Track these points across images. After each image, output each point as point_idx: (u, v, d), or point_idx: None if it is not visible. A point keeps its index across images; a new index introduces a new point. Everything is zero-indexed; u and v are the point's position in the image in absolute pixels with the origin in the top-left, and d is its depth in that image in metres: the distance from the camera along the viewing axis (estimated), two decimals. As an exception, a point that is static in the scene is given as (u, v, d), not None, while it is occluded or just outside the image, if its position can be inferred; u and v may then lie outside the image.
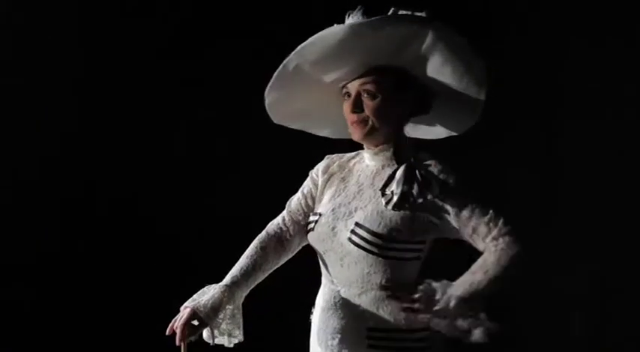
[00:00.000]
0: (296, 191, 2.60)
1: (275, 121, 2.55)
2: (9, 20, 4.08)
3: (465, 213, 2.33)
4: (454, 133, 2.57)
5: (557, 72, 4.17)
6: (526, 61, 4.14)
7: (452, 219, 2.35)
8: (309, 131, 2.62)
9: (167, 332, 2.42)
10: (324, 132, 2.63)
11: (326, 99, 2.49)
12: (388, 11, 2.36)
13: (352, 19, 2.36)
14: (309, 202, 2.55)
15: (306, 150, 2.64)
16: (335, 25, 2.36)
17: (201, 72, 4.19)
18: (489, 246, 2.32)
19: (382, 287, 2.35)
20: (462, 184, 2.37)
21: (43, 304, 4.11)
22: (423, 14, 2.35)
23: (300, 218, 2.55)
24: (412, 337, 2.36)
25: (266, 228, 2.58)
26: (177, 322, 2.40)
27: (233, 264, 2.51)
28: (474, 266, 2.32)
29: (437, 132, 2.58)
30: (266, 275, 2.53)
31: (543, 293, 4.07)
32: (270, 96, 2.48)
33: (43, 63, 4.12)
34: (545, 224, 4.16)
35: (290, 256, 2.56)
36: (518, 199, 4.13)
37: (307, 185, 2.58)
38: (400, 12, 2.36)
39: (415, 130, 2.54)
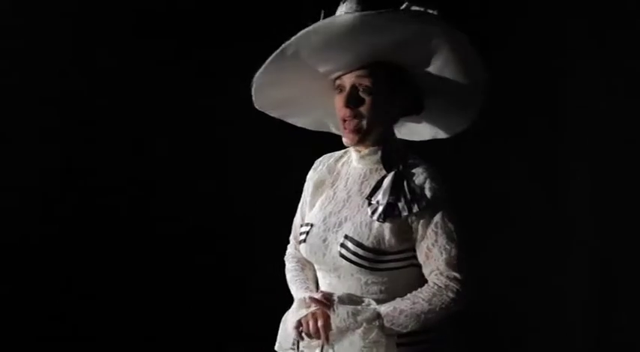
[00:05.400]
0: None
1: (256, 106, 2.44)
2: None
3: (431, 235, 2.25)
4: (440, 136, 2.49)
5: (559, 68, 4.13)
6: (527, 56, 4.11)
7: (418, 234, 2.27)
8: (288, 120, 2.53)
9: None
10: (302, 123, 2.54)
11: (314, 89, 2.40)
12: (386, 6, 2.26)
13: (345, 7, 2.26)
14: None
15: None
16: (343, 13, 2.25)
17: (213, 69, 4.09)
18: (432, 278, 2.26)
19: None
20: (445, 200, 2.28)
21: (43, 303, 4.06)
22: (435, 12, 2.27)
23: None
24: (424, 338, 2.29)
25: (287, 263, 2.53)
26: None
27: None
28: (409, 295, 2.26)
29: (422, 133, 2.50)
30: None
31: (544, 292, 4.07)
32: (259, 80, 2.38)
33: (40, 56, 4.02)
34: (547, 220, 4.13)
35: None
36: (519, 199, 4.12)
37: (302, 200, 2.52)
38: (413, 8, 2.27)
39: (400, 129, 2.46)
